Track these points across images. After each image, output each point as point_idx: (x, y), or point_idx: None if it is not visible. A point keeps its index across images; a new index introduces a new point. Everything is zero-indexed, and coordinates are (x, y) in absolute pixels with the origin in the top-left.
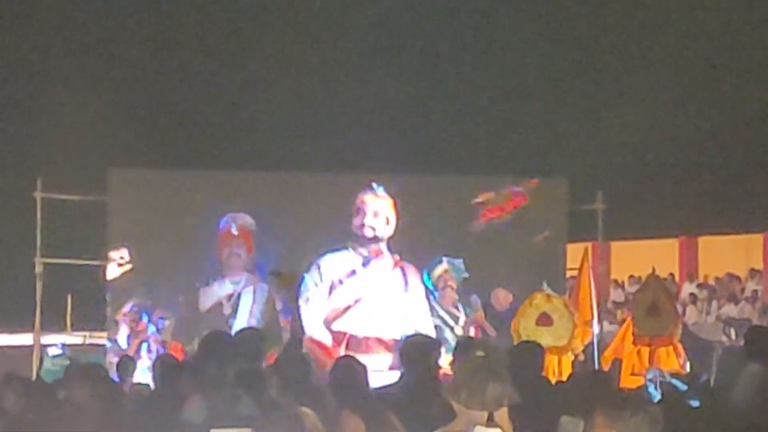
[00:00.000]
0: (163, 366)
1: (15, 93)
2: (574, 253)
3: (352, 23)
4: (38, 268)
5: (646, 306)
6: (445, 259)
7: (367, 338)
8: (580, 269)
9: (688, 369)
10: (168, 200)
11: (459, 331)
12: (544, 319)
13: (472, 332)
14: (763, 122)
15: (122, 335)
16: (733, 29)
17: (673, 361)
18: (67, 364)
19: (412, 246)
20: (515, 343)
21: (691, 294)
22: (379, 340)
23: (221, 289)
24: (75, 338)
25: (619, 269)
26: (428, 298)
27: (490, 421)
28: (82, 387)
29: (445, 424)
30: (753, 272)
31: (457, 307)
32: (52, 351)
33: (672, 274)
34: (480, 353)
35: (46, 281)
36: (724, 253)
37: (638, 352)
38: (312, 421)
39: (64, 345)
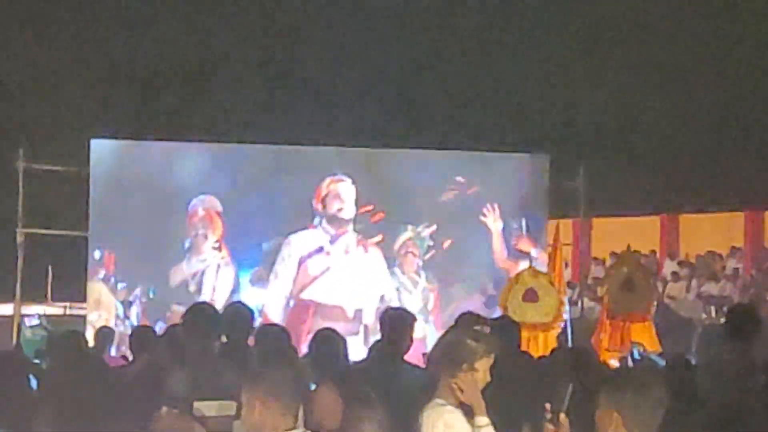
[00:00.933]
0: (140, 337)
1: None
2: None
3: None
4: (19, 238)
5: (621, 282)
6: (409, 226)
7: (334, 306)
8: (553, 247)
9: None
10: (148, 171)
11: (417, 296)
12: (531, 295)
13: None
14: (746, 101)
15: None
16: (717, 7)
17: (649, 336)
18: (44, 334)
19: (383, 219)
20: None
21: (673, 272)
22: (343, 309)
23: (188, 267)
24: (55, 309)
25: (600, 246)
26: (389, 265)
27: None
28: (61, 356)
29: (426, 399)
30: (734, 250)
31: (418, 273)
32: (30, 321)
33: (653, 252)
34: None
35: (26, 251)
36: (705, 232)
37: (612, 327)
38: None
39: (40, 315)
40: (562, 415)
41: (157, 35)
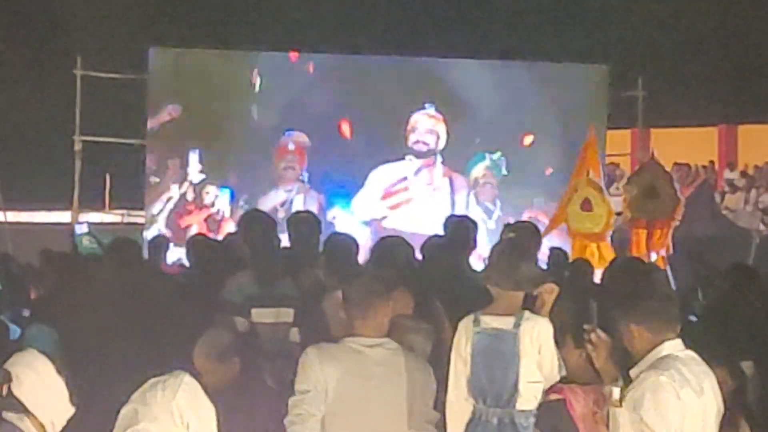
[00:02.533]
0: (197, 244)
1: None
2: (615, 139)
3: None
4: (77, 146)
5: (644, 189)
6: (487, 155)
7: (414, 235)
8: (585, 150)
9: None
10: (207, 80)
11: (492, 225)
12: (586, 205)
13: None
14: None
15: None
16: None
17: (663, 243)
18: (94, 242)
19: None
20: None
21: (731, 183)
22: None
23: (276, 196)
24: (113, 217)
25: (659, 157)
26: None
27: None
28: (116, 262)
29: (485, 306)
30: None
31: (494, 203)
32: (80, 229)
33: (712, 162)
34: (510, 234)
35: (84, 159)
36: (764, 142)
37: (636, 234)
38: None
39: (89, 223)
40: (599, 331)
41: None
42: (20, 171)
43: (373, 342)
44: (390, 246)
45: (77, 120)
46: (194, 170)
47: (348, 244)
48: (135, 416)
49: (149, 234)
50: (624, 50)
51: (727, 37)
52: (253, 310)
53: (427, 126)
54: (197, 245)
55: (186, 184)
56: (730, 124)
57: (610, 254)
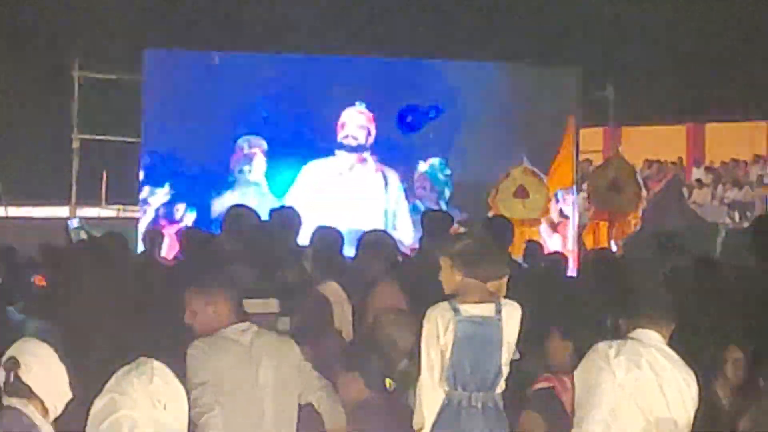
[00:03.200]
0: (189, 237)
1: None
2: (588, 137)
3: None
4: (75, 144)
5: (607, 182)
6: (430, 160)
7: (351, 230)
8: (564, 140)
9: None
10: (200, 82)
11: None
12: (521, 192)
13: None
14: None
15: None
16: None
17: (625, 234)
18: (86, 235)
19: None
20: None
21: (698, 179)
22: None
23: (231, 198)
24: (109, 211)
25: (630, 154)
26: (405, 194)
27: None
28: (101, 255)
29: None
30: (757, 158)
31: (437, 203)
32: (72, 224)
33: (681, 158)
34: (462, 229)
35: (82, 157)
36: (730, 140)
37: (599, 226)
38: (338, 292)
39: (81, 218)
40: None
41: None
42: (20, 168)
43: (241, 328)
44: (375, 239)
45: (75, 119)
46: None
47: (334, 237)
48: (114, 405)
49: (143, 227)
50: (596, 52)
51: (695, 39)
52: (244, 301)
53: (357, 122)
54: (191, 237)
55: None
56: (697, 122)
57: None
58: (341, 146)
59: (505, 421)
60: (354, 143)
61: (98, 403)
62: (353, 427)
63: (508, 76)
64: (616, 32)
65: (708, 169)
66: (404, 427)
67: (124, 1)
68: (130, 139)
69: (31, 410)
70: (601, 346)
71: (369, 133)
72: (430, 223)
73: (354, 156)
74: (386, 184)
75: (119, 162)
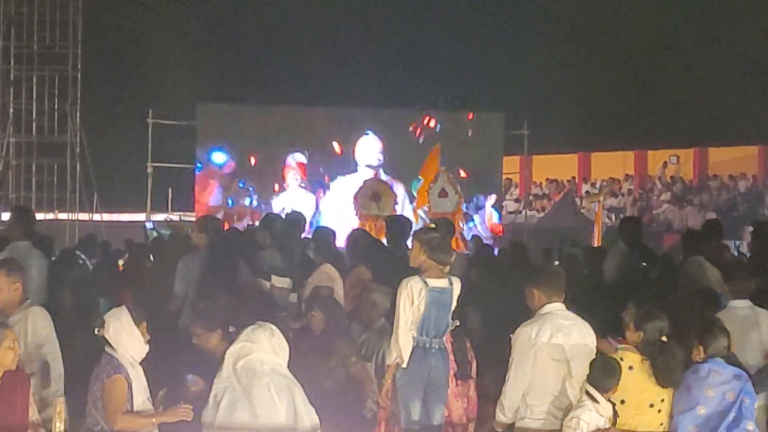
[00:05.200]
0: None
1: (134, 48)
2: (509, 163)
3: None
4: (149, 169)
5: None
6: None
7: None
8: (431, 156)
9: None
10: (240, 129)
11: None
12: (443, 193)
13: None
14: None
15: None
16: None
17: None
18: (157, 233)
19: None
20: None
21: (586, 191)
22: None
23: (286, 199)
24: (174, 216)
25: (537, 174)
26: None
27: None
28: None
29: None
30: (627, 176)
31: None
32: (148, 225)
33: (573, 177)
34: (432, 225)
35: (154, 179)
36: (608, 164)
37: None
38: (333, 273)
39: (153, 222)
40: None
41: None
42: (112, 186)
43: None
44: (354, 236)
45: (149, 152)
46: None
47: (328, 233)
48: (247, 349)
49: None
50: (515, 101)
51: (587, 88)
52: (273, 277)
53: (372, 146)
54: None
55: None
56: (585, 152)
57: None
58: (362, 165)
59: (448, 358)
60: (371, 163)
61: (234, 348)
62: None
63: (447, 121)
64: (531, 86)
65: (593, 184)
66: None
67: (186, 67)
68: (187, 166)
69: (120, 355)
70: (524, 330)
71: (379, 156)
72: (392, 224)
73: (371, 172)
74: (394, 192)
75: (180, 181)
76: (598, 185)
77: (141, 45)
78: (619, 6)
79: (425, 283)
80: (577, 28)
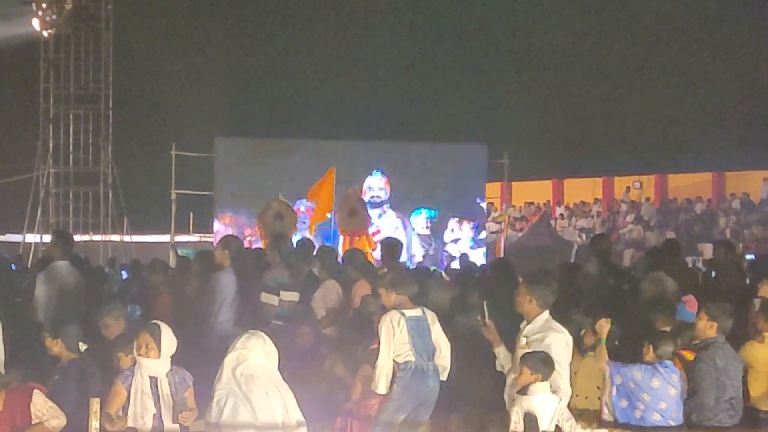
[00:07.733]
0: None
1: (159, 89)
2: (491, 188)
3: None
4: (173, 196)
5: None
6: (423, 209)
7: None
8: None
9: None
10: (253, 161)
11: (431, 251)
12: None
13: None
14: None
15: None
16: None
17: (369, 245)
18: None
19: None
20: None
21: (560, 213)
22: None
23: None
24: (194, 237)
25: (517, 198)
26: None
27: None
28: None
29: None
30: (596, 200)
31: (430, 237)
32: (171, 246)
33: (549, 201)
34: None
35: (177, 204)
36: (580, 188)
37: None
38: (335, 287)
39: (176, 243)
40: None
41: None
42: (139, 210)
43: None
44: (350, 254)
45: (173, 180)
46: None
47: (333, 252)
48: (244, 356)
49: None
50: (495, 132)
51: (560, 122)
52: (281, 292)
53: (378, 185)
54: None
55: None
56: (559, 179)
57: (371, 244)
58: (370, 203)
59: (439, 379)
60: (378, 200)
61: (231, 356)
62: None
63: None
64: (511, 121)
65: (566, 207)
66: None
67: (204, 106)
68: (206, 193)
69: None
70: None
71: (387, 192)
72: (352, 254)
73: (378, 210)
74: (405, 226)
75: (200, 207)
76: (569, 207)
77: (165, 86)
78: (593, 46)
79: (402, 314)
80: (554, 71)
